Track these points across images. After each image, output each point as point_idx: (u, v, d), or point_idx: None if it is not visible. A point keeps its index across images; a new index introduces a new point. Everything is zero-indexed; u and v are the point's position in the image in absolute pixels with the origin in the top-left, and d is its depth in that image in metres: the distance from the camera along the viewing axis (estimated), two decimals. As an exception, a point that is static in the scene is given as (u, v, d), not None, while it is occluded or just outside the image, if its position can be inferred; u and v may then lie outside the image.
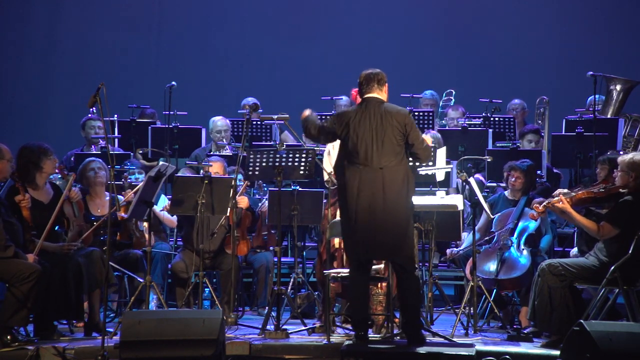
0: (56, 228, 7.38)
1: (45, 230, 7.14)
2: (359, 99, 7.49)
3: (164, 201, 8.50)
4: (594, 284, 6.83)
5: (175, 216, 8.35)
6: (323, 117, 10.25)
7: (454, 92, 11.24)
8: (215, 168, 8.25)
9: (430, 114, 10.24)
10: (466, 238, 8.03)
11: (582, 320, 6.06)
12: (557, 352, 6.37)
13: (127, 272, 7.80)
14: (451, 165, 8.35)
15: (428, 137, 7.10)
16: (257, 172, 7.51)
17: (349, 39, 13.27)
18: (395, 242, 6.56)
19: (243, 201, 8.15)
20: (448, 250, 8.27)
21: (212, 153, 9.48)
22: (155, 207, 8.43)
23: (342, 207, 6.70)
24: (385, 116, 6.61)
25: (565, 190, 6.90)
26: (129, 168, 8.78)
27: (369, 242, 6.56)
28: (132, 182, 8.33)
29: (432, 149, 6.92)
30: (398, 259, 6.62)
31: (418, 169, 7.27)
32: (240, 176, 7.88)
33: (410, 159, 6.76)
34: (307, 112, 6.92)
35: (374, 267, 7.00)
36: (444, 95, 11.21)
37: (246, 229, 8.41)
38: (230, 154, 9.55)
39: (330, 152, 7.56)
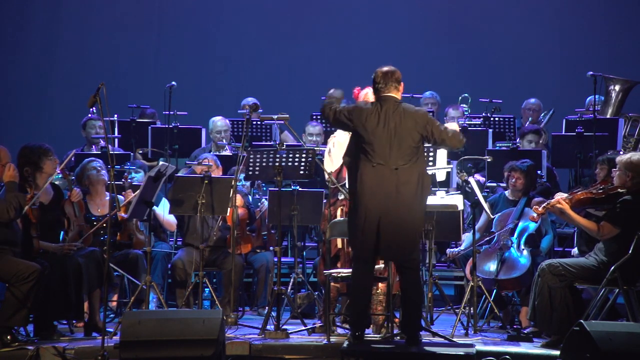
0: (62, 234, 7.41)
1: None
2: (367, 98, 7.49)
3: (166, 204, 8.50)
4: (594, 284, 6.83)
5: (175, 219, 8.36)
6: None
7: (469, 99, 11.24)
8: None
9: (431, 113, 10.22)
10: (466, 238, 8.03)
11: (582, 320, 6.06)
12: (557, 352, 6.37)
13: (127, 275, 7.80)
14: (451, 165, 8.35)
15: (454, 125, 7.05)
16: (257, 172, 7.51)
17: (349, 39, 13.27)
18: (406, 244, 6.52)
19: (237, 198, 8.12)
20: (448, 250, 8.28)
21: (211, 153, 9.47)
22: (156, 208, 8.45)
23: (352, 205, 6.60)
24: (404, 117, 6.56)
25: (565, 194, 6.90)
26: (129, 168, 8.79)
27: (379, 242, 6.49)
28: (131, 181, 8.33)
29: (461, 134, 6.81)
30: (405, 262, 6.59)
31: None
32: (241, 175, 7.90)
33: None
34: (334, 91, 6.87)
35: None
36: (459, 100, 11.18)
37: (245, 226, 8.42)
38: (230, 154, 9.56)
39: (331, 151, 7.55)
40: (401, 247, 6.52)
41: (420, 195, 6.54)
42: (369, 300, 6.82)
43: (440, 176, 7.64)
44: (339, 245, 7.38)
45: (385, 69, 6.67)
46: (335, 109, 6.71)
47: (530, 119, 10.61)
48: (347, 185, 7.33)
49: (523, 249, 7.82)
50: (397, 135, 6.51)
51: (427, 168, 7.42)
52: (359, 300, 6.65)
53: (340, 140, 7.53)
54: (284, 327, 7.22)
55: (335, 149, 7.51)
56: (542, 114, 10.77)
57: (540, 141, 9.74)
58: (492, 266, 7.78)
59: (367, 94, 7.53)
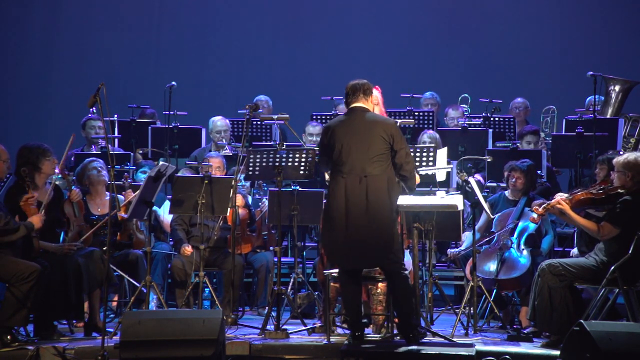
0: (62, 235, 7.40)
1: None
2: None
3: (167, 205, 8.51)
4: (594, 284, 6.83)
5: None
6: (323, 117, 10.32)
7: (469, 99, 11.24)
8: (216, 163, 8.30)
9: (431, 114, 10.25)
10: (466, 238, 8.03)
11: (582, 320, 6.06)
12: (557, 352, 6.37)
13: (126, 276, 7.79)
14: (451, 165, 8.35)
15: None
16: (257, 172, 7.51)
17: (349, 39, 13.27)
18: (380, 251, 6.56)
19: (237, 199, 8.12)
20: (448, 251, 8.28)
21: (217, 153, 9.46)
22: (158, 210, 8.45)
23: (326, 215, 6.71)
24: (372, 125, 6.63)
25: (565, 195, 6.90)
26: (129, 168, 8.78)
27: (352, 252, 6.56)
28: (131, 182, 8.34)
29: (415, 166, 6.91)
30: (385, 266, 6.64)
31: (418, 169, 7.28)
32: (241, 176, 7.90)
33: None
34: None
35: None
36: (459, 100, 11.18)
37: (246, 226, 8.42)
38: (230, 154, 9.55)
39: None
40: (375, 254, 6.57)
41: (390, 202, 6.60)
42: (360, 300, 6.83)
43: (440, 176, 7.64)
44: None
45: (355, 81, 6.79)
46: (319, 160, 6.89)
47: (522, 116, 10.62)
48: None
49: (523, 249, 7.82)
50: (365, 143, 6.58)
51: (427, 168, 7.45)
52: (351, 303, 6.69)
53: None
54: (284, 327, 7.22)
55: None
56: (544, 117, 10.78)
57: (540, 140, 9.76)
58: (492, 266, 7.78)
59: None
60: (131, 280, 7.79)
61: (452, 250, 8.25)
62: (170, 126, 9.91)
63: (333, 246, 6.66)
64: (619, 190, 6.78)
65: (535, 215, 6.91)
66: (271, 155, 7.40)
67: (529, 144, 9.54)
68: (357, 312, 6.70)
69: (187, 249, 8.03)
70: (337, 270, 7.09)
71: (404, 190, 6.79)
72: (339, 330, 7.27)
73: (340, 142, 6.62)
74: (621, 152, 8.25)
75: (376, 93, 7.53)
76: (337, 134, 6.65)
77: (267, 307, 7.44)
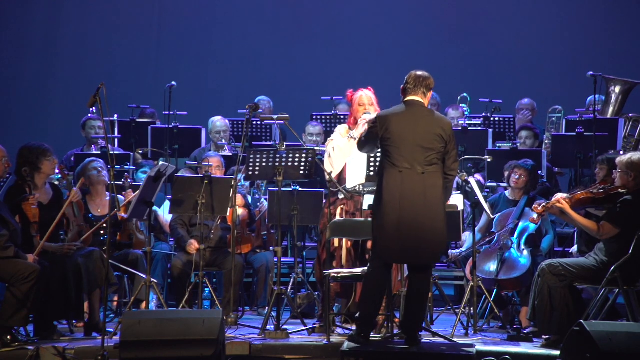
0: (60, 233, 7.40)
1: (48, 232, 7.14)
2: (361, 100, 7.47)
3: (167, 205, 8.51)
4: (594, 284, 6.83)
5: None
6: (323, 117, 10.33)
7: (469, 99, 11.23)
8: (215, 162, 8.31)
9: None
10: (467, 239, 8.03)
11: (582, 320, 6.06)
12: (557, 352, 6.37)
13: (129, 269, 7.78)
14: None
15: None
16: (257, 172, 7.51)
17: (349, 39, 13.27)
18: (434, 248, 6.49)
19: (237, 199, 8.12)
20: (450, 252, 8.28)
21: (215, 152, 9.47)
22: (158, 210, 8.45)
23: (379, 209, 6.51)
24: (432, 123, 6.52)
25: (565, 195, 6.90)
26: (129, 168, 8.78)
27: (405, 248, 6.44)
28: (131, 182, 8.34)
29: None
30: (430, 262, 6.58)
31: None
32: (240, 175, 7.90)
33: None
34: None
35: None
36: (458, 100, 11.18)
37: (246, 226, 8.42)
38: (230, 154, 9.56)
39: (331, 155, 7.51)
40: (429, 251, 6.48)
41: (443, 199, 6.54)
42: (381, 302, 6.79)
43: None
44: (336, 244, 7.37)
45: (420, 72, 6.64)
46: (362, 135, 6.75)
47: (530, 117, 10.62)
48: (347, 187, 7.34)
49: (523, 249, 7.82)
50: (424, 140, 6.46)
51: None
52: (372, 301, 6.59)
53: (339, 144, 7.49)
54: (284, 327, 7.22)
55: (336, 154, 7.48)
56: (551, 116, 10.76)
57: (545, 139, 9.76)
58: (492, 266, 7.78)
59: (361, 97, 7.49)
60: (134, 271, 7.74)
61: (453, 251, 8.25)
62: (170, 126, 9.91)
63: (383, 240, 6.49)
64: (619, 190, 6.79)
65: (535, 215, 6.91)
66: (271, 155, 7.40)
67: (521, 138, 9.57)
68: (373, 313, 6.65)
69: (194, 244, 7.98)
70: (336, 270, 7.08)
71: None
72: (339, 330, 7.26)
73: (398, 136, 6.48)
74: (621, 152, 8.25)
75: (370, 94, 7.51)
76: (393, 126, 6.49)
77: (267, 307, 7.44)
